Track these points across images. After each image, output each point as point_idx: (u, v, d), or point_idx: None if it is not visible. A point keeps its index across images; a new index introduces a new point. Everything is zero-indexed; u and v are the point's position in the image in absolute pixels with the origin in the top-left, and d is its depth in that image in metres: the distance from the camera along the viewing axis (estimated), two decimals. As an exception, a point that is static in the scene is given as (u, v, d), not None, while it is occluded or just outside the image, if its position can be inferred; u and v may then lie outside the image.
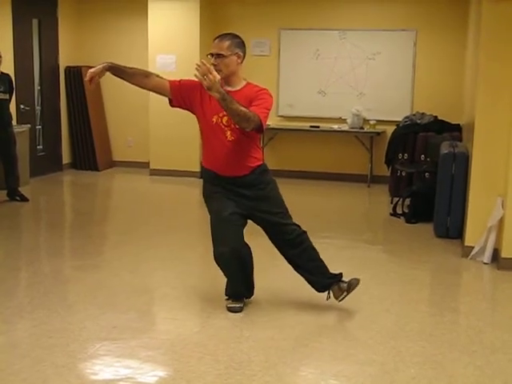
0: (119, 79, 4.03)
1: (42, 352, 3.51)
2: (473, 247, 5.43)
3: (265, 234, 4.18)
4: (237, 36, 4.00)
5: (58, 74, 9.54)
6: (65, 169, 9.76)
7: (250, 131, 3.81)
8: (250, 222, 4.12)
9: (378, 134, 8.87)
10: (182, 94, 4.01)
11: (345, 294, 4.15)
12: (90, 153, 9.77)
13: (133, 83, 4.04)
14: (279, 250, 4.21)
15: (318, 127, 9.06)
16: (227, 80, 3.88)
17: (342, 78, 9.08)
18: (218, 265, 4.10)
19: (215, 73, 3.62)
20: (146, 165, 9.65)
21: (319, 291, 4.24)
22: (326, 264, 4.22)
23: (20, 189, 7.60)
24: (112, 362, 3.45)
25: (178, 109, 4.11)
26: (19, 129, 8.03)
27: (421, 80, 8.81)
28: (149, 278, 4.96)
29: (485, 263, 5.32)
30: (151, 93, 4.18)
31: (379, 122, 8.87)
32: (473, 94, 5.79)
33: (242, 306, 4.16)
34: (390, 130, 8.52)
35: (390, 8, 8.84)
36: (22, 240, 6.19)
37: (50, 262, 5.44)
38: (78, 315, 4.08)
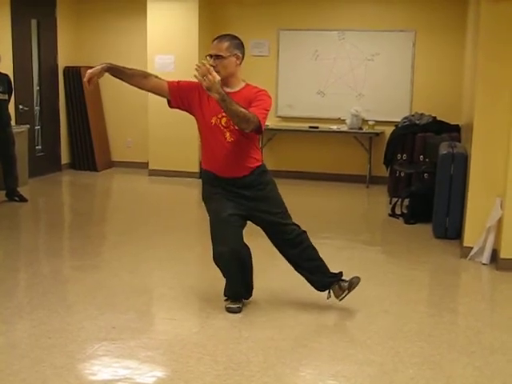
0: (118, 80, 4.04)
1: (41, 352, 3.51)
2: (471, 248, 5.43)
3: (264, 235, 4.19)
4: (236, 37, 4.01)
5: (57, 75, 9.53)
6: (64, 169, 9.75)
7: (249, 132, 3.82)
8: (249, 222, 4.12)
9: (377, 134, 8.88)
10: (180, 95, 4.01)
11: (346, 292, 4.16)
12: (88, 153, 9.76)
13: (131, 84, 4.05)
14: (279, 249, 4.22)
15: (316, 128, 9.06)
16: (226, 81, 3.87)
17: (340, 79, 9.09)
18: (218, 265, 4.10)
19: (215, 73, 3.62)
20: (144, 165, 9.65)
21: (319, 290, 4.24)
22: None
23: (19, 189, 7.60)
24: (111, 362, 3.45)
25: (177, 110, 4.12)
26: (18, 129, 8.03)
27: (420, 81, 8.81)
28: (148, 279, 4.97)
29: (483, 264, 5.32)
30: (150, 93, 4.19)
31: (378, 122, 8.87)
32: (472, 95, 5.79)
33: (240, 306, 4.16)
34: (389, 130, 8.53)
35: (388, 9, 8.84)
36: (21, 240, 6.19)
37: (49, 262, 5.44)
38: (77, 315, 4.08)
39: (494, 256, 5.29)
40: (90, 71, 3.86)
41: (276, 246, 4.21)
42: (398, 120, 8.48)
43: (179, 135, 9.08)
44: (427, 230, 6.43)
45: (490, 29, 5.15)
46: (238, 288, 4.18)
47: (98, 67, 3.90)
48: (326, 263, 4.24)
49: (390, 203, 7.44)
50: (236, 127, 3.83)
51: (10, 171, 7.55)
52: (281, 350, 3.62)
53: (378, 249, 6.09)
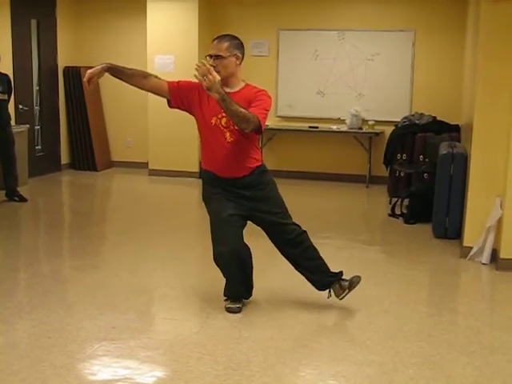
0: (118, 80, 4.04)
1: (41, 352, 3.51)
2: (471, 248, 5.43)
3: (264, 235, 4.19)
4: (235, 37, 4.01)
5: (57, 75, 9.53)
6: (63, 169, 9.75)
7: (249, 132, 3.82)
8: (249, 222, 4.12)
9: (377, 134, 8.88)
10: (180, 95, 4.01)
11: (346, 291, 4.16)
12: (88, 153, 9.76)
13: (131, 84, 4.04)
14: (279, 249, 4.22)
15: (316, 128, 9.06)
16: (226, 81, 3.87)
17: (340, 79, 9.09)
18: (218, 266, 4.10)
19: (215, 73, 3.62)
20: (144, 165, 9.65)
21: (320, 290, 4.25)
22: (325, 264, 4.23)
23: (18, 189, 7.60)
24: (111, 362, 3.45)
25: (177, 110, 4.12)
26: (18, 129, 8.03)
27: (419, 80, 8.81)
28: (148, 279, 4.97)
29: (483, 264, 5.32)
30: (150, 93, 4.19)
31: (378, 122, 8.87)
32: (471, 95, 5.79)
33: (240, 306, 4.16)
34: (389, 130, 8.53)
35: (388, 9, 8.84)
36: (20, 240, 6.19)
37: (48, 262, 5.44)
38: (76, 315, 4.08)
39: (494, 256, 5.29)
40: (89, 71, 3.86)
41: (276, 246, 4.21)
42: (398, 120, 8.48)
43: (179, 135, 9.08)
44: (427, 230, 6.43)
45: (490, 29, 5.15)
46: (238, 288, 4.18)
47: (97, 67, 3.90)
48: (326, 263, 4.24)
49: (390, 203, 7.44)
50: (236, 127, 3.83)
51: (10, 171, 7.55)
52: (281, 350, 3.62)
53: (378, 249, 6.09)
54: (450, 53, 8.64)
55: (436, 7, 8.63)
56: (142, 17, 9.26)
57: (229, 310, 4.13)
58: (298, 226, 4.17)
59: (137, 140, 9.93)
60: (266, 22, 9.21)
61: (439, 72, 8.74)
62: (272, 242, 4.20)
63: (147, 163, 9.56)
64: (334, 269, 4.24)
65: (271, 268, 4.92)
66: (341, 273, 4.22)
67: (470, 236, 5.44)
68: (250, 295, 4.27)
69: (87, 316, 4.05)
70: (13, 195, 7.52)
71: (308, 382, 3.35)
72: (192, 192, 8.32)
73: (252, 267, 4.17)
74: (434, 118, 8.35)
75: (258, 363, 3.44)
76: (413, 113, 8.61)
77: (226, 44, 3.90)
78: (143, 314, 4.21)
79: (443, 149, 6.28)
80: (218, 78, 3.62)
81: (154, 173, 9.42)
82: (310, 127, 9.08)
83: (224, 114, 3.82)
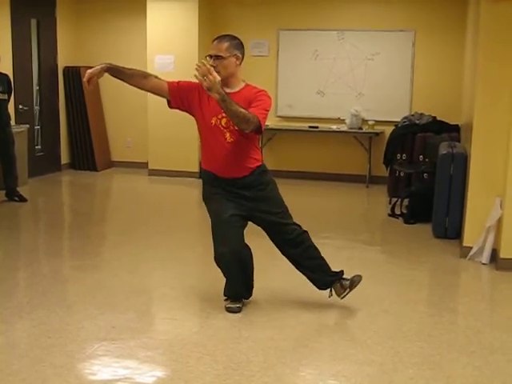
0: (118, 80, 4.04)
1: (41, 352, 3.51)
2: (471, 248, 5.43)
3: (265, 235, 4.19)
4: (235, 37, 4.01)
5: (57, 74, 9.53)
6: (63, 169, 9.75)
7: (248, 132, 3.82)
8: (249, 222, 4.12)
9: (377, 134, 8.88)
10: (180, 96, 4.01)
11: (347, 291, 4.17)
12: (88, 153, 9.77)
13: (131, 84, 4.04)
14: (280, 249, 4.22)
15: (316, 127, 9.06)
16: (226, 81, 3.87)
17: (340, 79, 9.09)
18: (219, 266, 4.10)
19: (215, 73, 3.62)
20: (144, 165, 9.65)
21: (321, 289, 4.25)
22: (325, 264, 4.24)
23: (18, 189, 7.60)
24: (110, 362, 3.45)
25: (177, 110, 4.12)
26: (18, 129, 8.03)
27: (419, 80, 8.81)
28: (148, 279, 4.97)
29: (483, 264, 5.32)
30: (150, 93, 4.18)
31: (378, 122, 8.87)
32: (471, 95, 5.80)
33: (240, 306, 4.17)
34: (389, 130, 8.53)
35: (388, 9, 8.84)
36: (20, 240, 6.19)
37: (48, 262, 5.44)
38: (76, 315, 4.08)
39: (494, 256, 5.30)
40: (89, 71, 3.86)
41: (277, 246, 4.22)
42: (398, 120, 8.48)
43: (179, 135, 9.08)
44: (427, 230, 6.43)
45: (490, 29, 5.15)
46: (238, 288, 4.18)
47: (97, 67, 3.89)
48: (327, 262, 4.24)
49: (390, 203, 7.44)
50: (236, 127, 3.83)
51: (10, 171, 7.55)
52: (281, 350, 3.62)
53: (378, 249, 6.09)
54: (450, 53, 8.64)
55: (436, 7, 8.63)
56: (141, 17, 9.26)
57: (229, 310, 4.13)
58: (299, 225, 4.17)
59: (137, 140, 9.94)
60: (266, 22, 9.22)
61: (439, 72, 8.74)
62: (273, 242, 4.20)
63: (147, 163, 9.56)
64: (334, 269, 4.24)
65: (271, 268, 4.92)
66: (342, 272, 4.22)
67: (469, 236, 5.45)
68: (250, 295, 4.27)
69: (87, 316, 4.05)
70: (13, 195, 7.52)
71: (308, 382, 3.35)
72: (192, 192, 8.32)
73: (253, 267, 4.18)
74: (434, 118, 8.35)
75: (258, 363, 3.44)
76: (413, 113, 8.61)
77: (225, 44, 3.91)
78: (143, 314, 4.21)
79: (443, 149, 6.28)
80: (218, 78, 3.62)
81: (154, 173, 9.42)
82: (309, 127, 9.08)
83: (224, 115, 3.82)
